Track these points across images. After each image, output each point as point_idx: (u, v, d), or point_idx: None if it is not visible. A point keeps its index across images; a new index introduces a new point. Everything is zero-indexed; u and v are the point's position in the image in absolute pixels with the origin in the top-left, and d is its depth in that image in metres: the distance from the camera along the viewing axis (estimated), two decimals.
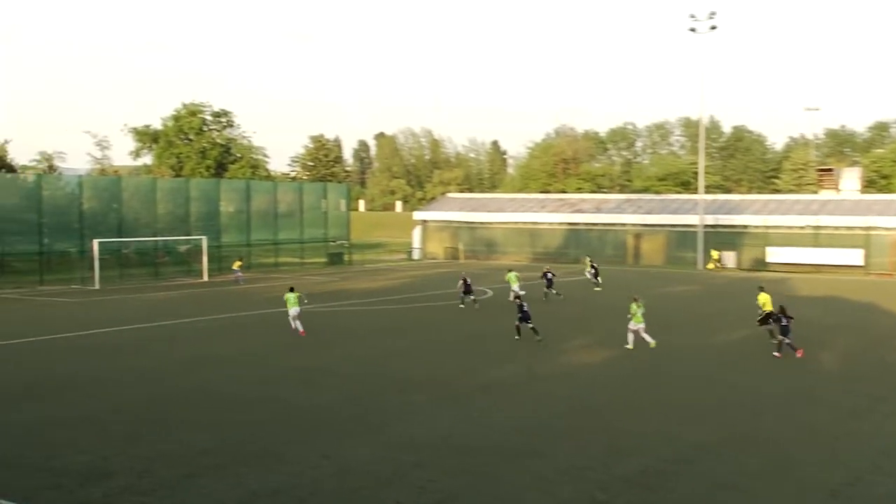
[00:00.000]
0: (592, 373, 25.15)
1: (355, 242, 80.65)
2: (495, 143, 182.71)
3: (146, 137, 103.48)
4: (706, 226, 69.73)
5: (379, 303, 43.18)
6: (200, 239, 59.62)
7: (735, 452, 17.04)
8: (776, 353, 27.04)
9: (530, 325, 30.16)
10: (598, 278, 50.45)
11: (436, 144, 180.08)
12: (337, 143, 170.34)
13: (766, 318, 30.36)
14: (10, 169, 69.41)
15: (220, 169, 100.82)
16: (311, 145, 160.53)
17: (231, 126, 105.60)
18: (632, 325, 28.61)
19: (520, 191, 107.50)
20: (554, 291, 44.29)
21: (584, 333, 32.85)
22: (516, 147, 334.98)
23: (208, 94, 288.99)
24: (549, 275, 44.93)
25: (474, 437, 18.03)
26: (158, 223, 60.41)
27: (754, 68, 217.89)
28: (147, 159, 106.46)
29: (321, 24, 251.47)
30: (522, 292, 38.83)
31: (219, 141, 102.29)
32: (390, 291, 48.63)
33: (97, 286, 50.79)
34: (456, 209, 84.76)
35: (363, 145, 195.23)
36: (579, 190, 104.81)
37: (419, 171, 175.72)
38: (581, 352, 28.69)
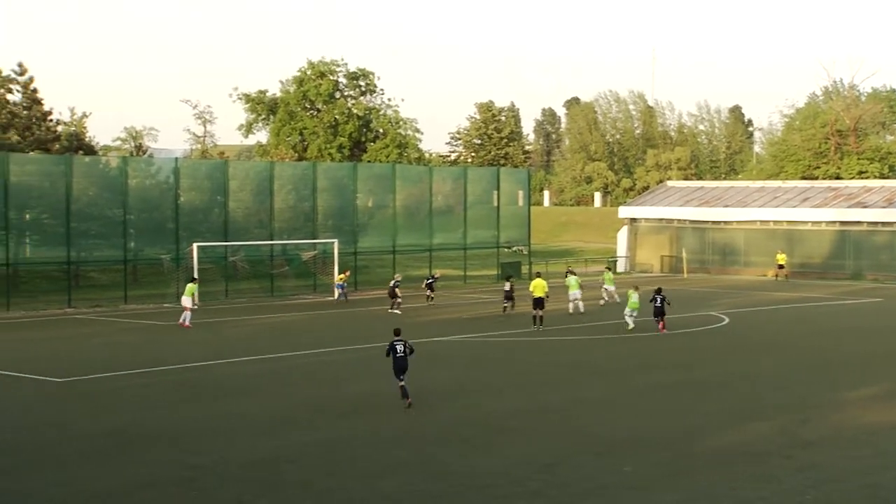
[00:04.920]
0: (887, 440, 23.98)
1: (537, 248, 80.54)
2: (736, 111, 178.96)
3: (261, 107, 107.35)
4: None
5: (564, 332, 42.93)
6: (331, 243, 61.08)
7: None
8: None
9: None
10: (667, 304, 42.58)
11: (650, 114, 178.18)
12: (513, 114, 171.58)
13: None
14: (89, 150, 73.10)
15: (356, 149, 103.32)
16: (477, 117, 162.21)
17: (372, 92, 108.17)
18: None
19: (772, 177, 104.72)
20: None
21: (875, 379, 31.93)
22: (767, 115, 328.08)
23: (342, 49, 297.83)
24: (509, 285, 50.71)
25: None
26: (276, 222, 62.31)
27: None
28: (262, 136, 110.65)
29: None
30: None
31: (356, 112, 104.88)
32: (581, 317, 48.23)
33: (196, 305, 52.67)
34: (678, 203, 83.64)
35: (549, 116, 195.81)
36: (862, 175, 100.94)
37: (627, 150, 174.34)
38: (871, 407, 27.66)
